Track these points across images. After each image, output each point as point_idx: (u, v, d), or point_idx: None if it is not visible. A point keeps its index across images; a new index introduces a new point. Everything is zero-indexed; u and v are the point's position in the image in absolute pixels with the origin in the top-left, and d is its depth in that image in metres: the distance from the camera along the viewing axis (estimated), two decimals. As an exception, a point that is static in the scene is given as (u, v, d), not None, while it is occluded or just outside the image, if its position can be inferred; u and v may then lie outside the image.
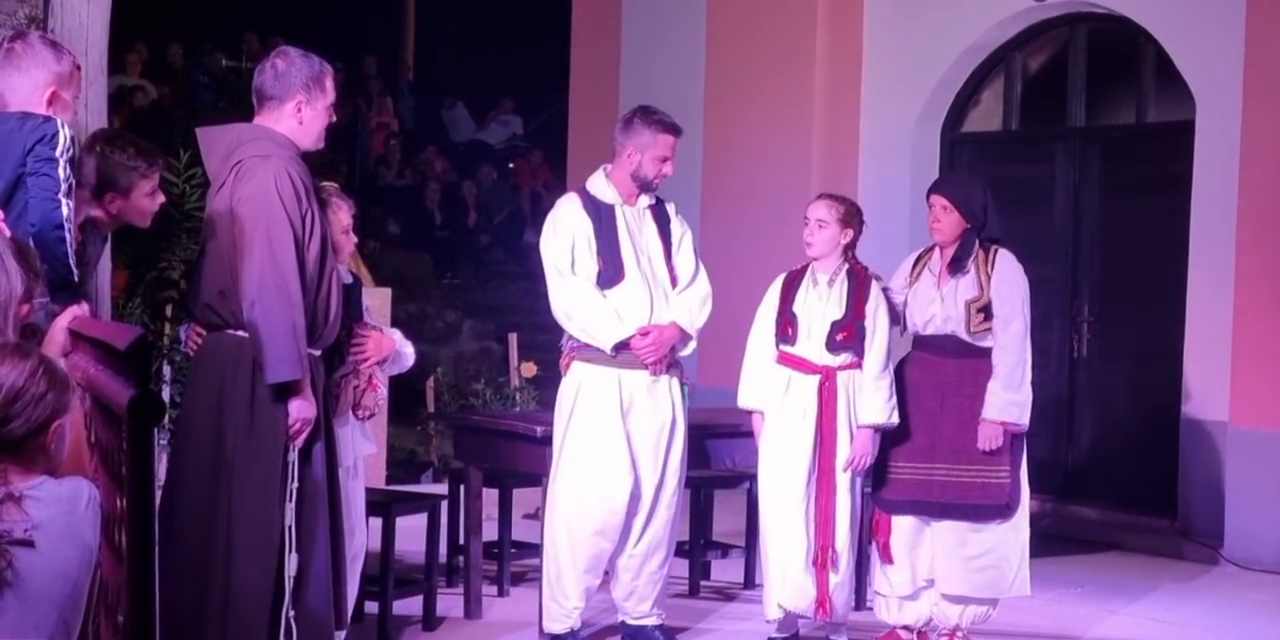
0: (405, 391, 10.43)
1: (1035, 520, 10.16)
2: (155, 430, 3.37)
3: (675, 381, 6.83)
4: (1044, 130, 11.33)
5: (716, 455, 7.56)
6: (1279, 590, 8.77)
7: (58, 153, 5.01)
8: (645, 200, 6.90)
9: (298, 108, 5.49)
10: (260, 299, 5.21)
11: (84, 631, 3.45)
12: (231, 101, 15.57)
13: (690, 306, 6.81)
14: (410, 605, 7.28)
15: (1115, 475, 10.48)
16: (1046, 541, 9.67)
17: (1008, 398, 6.75)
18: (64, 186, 5.00)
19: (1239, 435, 9.44)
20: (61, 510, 3.31)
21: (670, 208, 6.99)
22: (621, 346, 6.69)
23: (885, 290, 6.93)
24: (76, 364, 3.90)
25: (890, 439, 6.85)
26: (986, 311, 6.77)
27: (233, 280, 5.31)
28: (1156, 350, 10.22)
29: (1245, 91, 9.52)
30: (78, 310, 4.24)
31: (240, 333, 5.33)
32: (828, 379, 6.75)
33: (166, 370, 8.72)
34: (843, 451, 6.74)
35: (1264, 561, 9.20)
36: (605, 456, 6.68)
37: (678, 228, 6.94)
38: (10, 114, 5.12)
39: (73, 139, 5.05)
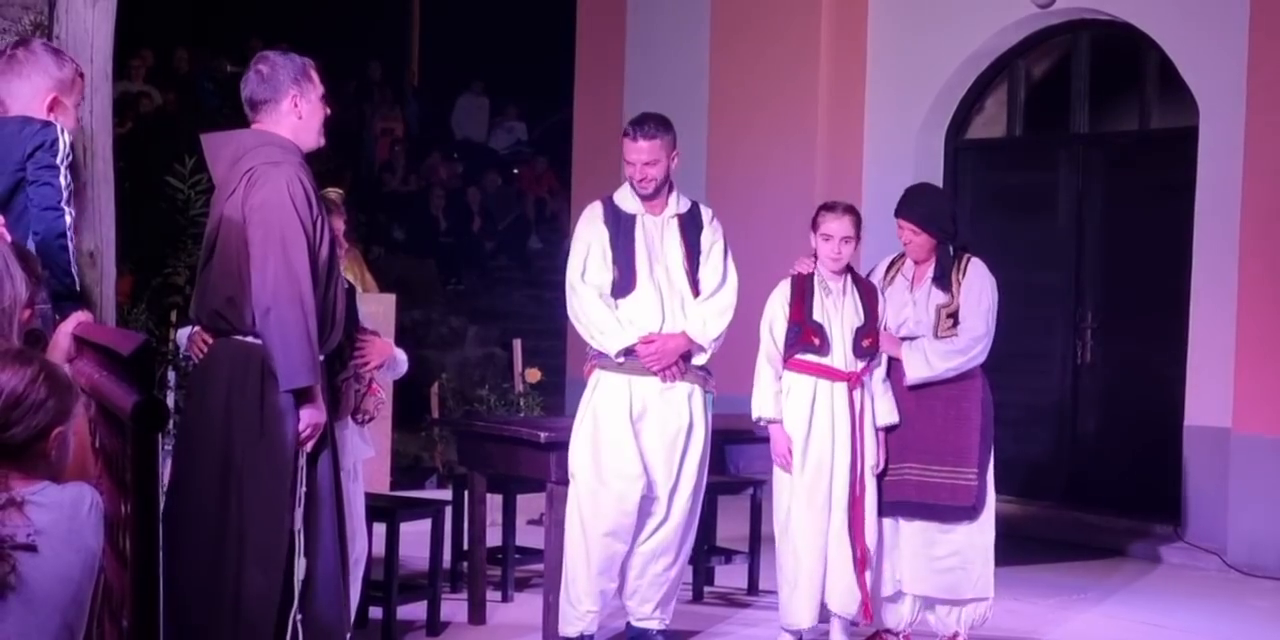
0: (410, 397, 10.44)
1: (1038, 526, 10.24)
2: (159, 436, 3.38)
3: (696, 389, 6.85)
4: (1047, 137, 11.35)
5: (720, 461, 7.57)
6: (1282, 596, 8.79)
7: (59, 160, 5.03)
8: (673, 208, 6.92)
9: (294, 103, 5.47)
10: (275, 306, 5.20)
11: (88, 635, 3.47)
12: (236, 107, 15.59)
13: (705, 317, 6.83)
14: (415, 611, 7.29)
15: (1118, 481, 10.49)
16: (1049, 547, 9.70)
17: (930, 359, 6.83)
18: (65, 194, 5.02)
19: (1241, 441, 9.45)
20: (64, 515, 3.32)
21: (705, 215, 6.99)
22: (631, 353, 6.74)
23: None
24: (81, 370, 3.92)
25: None
26: (955, 317, 6.86)
27: (242, 287, 5.31)
28: (1159, 356, 10.24)
29: (1248, 98, 9.53)
30: (82, 316, 4.26)
31: (248, 339, 5.33)
32: (856, 385, 6.79)
33: (171, 376, 8.74)
34: (869, 454, 6.80)
35: (1266, 567, 9.20)
36: (615, 460, 6.72)
37: (709, 236, 6.95)
38: (10, 118, 5.14)
39: (71, 145, 5.06)
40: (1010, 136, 11.49)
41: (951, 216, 6.97)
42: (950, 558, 6.88)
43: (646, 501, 6.78)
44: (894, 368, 6.94)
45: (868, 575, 6.77)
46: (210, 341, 5.49)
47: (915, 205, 7.06)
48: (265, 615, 5.30)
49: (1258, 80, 9.50)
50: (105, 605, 3.63)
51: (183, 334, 6.30)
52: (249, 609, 5.30)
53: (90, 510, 3.37)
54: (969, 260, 6.94)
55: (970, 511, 6.85)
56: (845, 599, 6.77)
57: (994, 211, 11.24)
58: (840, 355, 6.80)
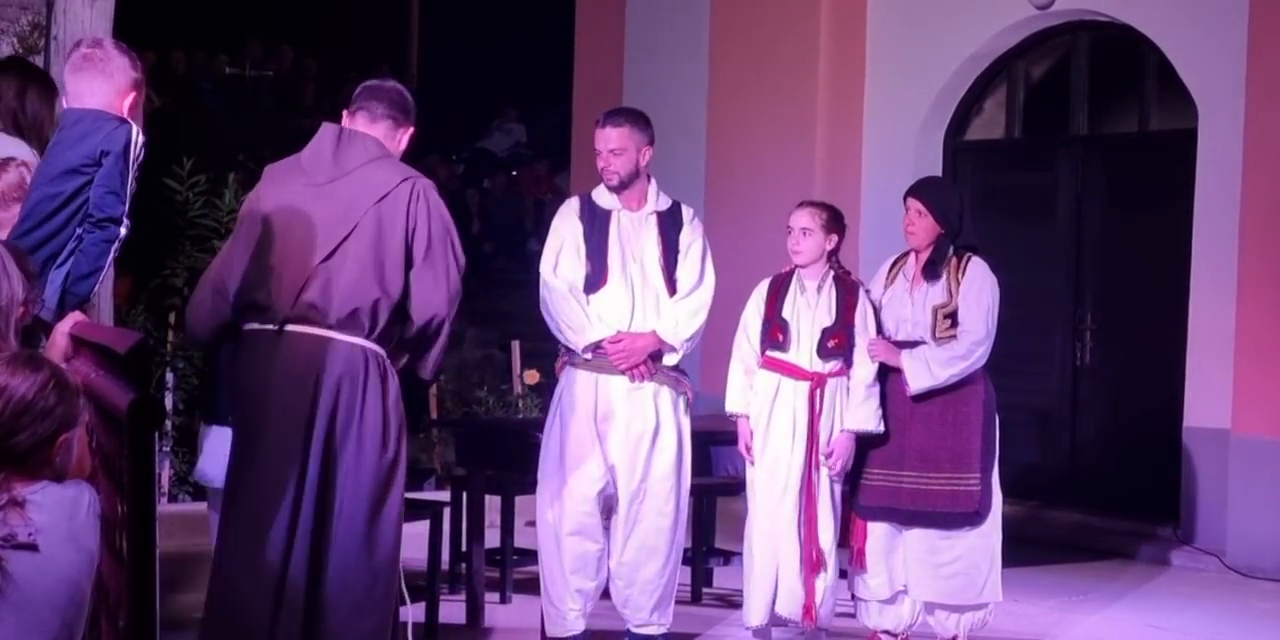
0: (408, 399, 10.40)
1: (1037, 528, 10.23)
2: (156, 434, 3.38)
3: (665, 390, 6.81)
4: (1046, 138, 11.34)
5: (719, 462, 7.56)
6: (1281, 598, 8.78)
7: (132, 164, 5.11)
8: (652, 206, 6.88)
9: (401, 137, 5.73)
10: (449, 317, 5.55)
11: (85, 635, 3.46)
12: (237, 108, 15.60)
13: (678, 317, 6.78)
14: (413, 612, 7.27)
15: (1117, 483, 10.47)
16: (1048, 549, 9.69)
17: (931, 367, 6.75)
18: (128, 205, 5.10)
19: (1241, 443, 9.44)
20: (63, 515, 3.32)
21: (686, 214, 6.95)
22: (598, 350, 6.71)
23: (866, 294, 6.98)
24: (78, 369, 3.91)
25: (865, 444, 6.89)
26: (953, 318, 6.79)
27: (388, 291, 5.43)
28: (1159, 358, 10.23)
29: (1247, 99, 9.53)
30: (78, 316, 4.27)
31: (362, 341, 5.42)
32: (819, 385, 6.77)
33: (169, 378, 8.72)
34: (826, 456, 6.78)
35: (1266, 569, 9.19)
36: (578, 459, 6.71)
37: (688, 235, 6.90)
38: (88, 111, 5.21)
39: (143, 147, 5.15)
40: (1009, 138, 11.49)
41: (959, 211, 6.92)
42: (954, 564, 6.83)
43: (609, 504, 6.76)
44: (891, 377, 6.90)
45: (820, 578, 6.77)
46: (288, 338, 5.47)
47: (928, 187, 7.12)
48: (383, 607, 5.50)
49: (1257, 81, 9.49)
50: (102, 605, 3.62)
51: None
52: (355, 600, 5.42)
53: (88, 510, 3.36)
54: (969, 259, 6.87)
55: (973, 518, 6.79)
56: (787, 600, 6.80)
57: (993, 213, 11.22)
58: (804, 353, 6.79)
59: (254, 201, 5.60)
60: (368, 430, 5.42)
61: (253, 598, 5.33)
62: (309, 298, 5.40)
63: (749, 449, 6.90)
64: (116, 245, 5.15)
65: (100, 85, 5.25)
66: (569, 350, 6.80)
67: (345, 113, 5.74)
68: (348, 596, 5.38)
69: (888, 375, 6.89)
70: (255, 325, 5.50)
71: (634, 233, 6.83)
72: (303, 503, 5.34)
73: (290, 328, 5.43)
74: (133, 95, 5.30)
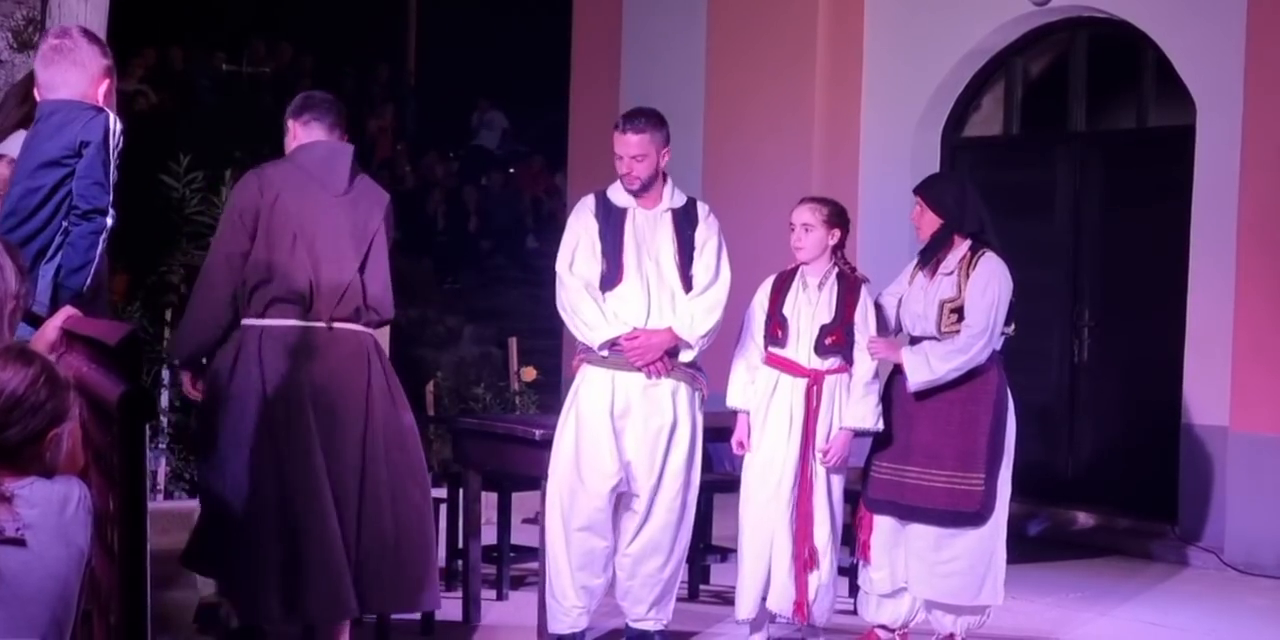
0: (406, 396, 10.40)
1: (1035, 524, 10.23)
2: (146, 427, 3.36)
3: (682, 386, 6.81)
4: (1045, 135, 11.33)
5: (716, 459, 7.55)
6: (1279, 595, 8.76)
7: (113, 152, 5.10)
8: (667, 203, 6.88)
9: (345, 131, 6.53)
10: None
11: (75, 631, 3.45)
12: (234, 105, 15.58)
13: (693, 314, 6.78)
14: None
15: (1115, 480, 10.47)
16: (1046, 546, 9.68)
17: (931, 362, 6.73)
18: (112, 195, 5.11)
19: (1239, 440, 9.43)
20: (52, 510, 3.31)
21: (701, 211, 6.94)
22: (615, 347, 6.71)
23: (876, 296, 6.95)
24: (69, 363, 3.90)
25: (877, 438, 6.90)
26: (960, 313, 6.76)
27: (391, 291, 6.37)
28: (1157, 355, 10.21)
29: (1246, 96, 9.52)
30: (70, 310, 4.26)
31: (373, 330, 6.35)
32: (816, 382, 6.76)
33: (165, 374, 8.70)
34: (821, 455, 6.77)
35: (1264, 566, 9.19)
36: (594, 456, 6.71)
37: (703, 232, 6.89)
38: (62, 102, 5.19)
39: (121, 134, 5.14)
40: (1007, 134, 11.48)
41: (957, 201, 6.89)
42: (953, 563, 6.80)
43: (628, 498, 6.77)
44: (900, 373, 6.88)
45: (813, 575, 6.76)
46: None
47: (930, 184, 7.14)
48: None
49: (1255, 78, 9.48)
50: (94, 601, 3.61)
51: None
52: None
53: (78, 506, 3.35)
54: (982, 254, 6.84)
55: (974, 518, 6.75)
56: (778, 596, 6.80)
57: (991, 209, 11.19)
58: (803, 350, 6.79)
59: (268, 200, 6.18)
60: (399, 392, 6.47)
61: (337, 543, 6.13)
62: (355, 303, 6.25)
63: (741, 444, 6.90)
64: (105, 236, 5.12)
65: (73, 75, 5.22)
66: (587, 348, 6.80)
67: (296, 123, 6.39)
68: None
69: (897, 372, 6.89)
70: (299, 322, 6.20)
71: (649, 230, 6.83)
72: (373, 456, 6.30)
73: (339, 325, 6.23)
74: (106, 83, 5.26)
